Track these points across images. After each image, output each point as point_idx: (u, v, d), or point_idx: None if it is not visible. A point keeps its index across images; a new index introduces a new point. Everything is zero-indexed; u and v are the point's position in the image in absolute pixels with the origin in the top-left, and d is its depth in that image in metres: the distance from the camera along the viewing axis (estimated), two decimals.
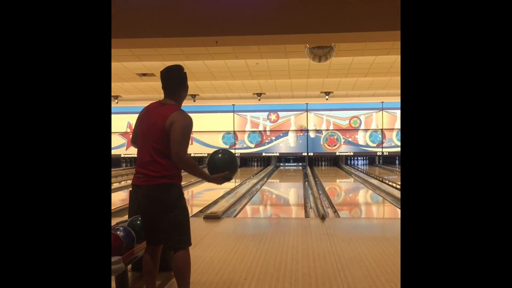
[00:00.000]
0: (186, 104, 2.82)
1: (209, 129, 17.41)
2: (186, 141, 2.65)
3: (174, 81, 2.81)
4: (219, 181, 2.78)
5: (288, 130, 17.79)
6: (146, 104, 2.99)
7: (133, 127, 2.88)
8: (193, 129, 2.76)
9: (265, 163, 18.55)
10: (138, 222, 3.27)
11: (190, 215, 2.97)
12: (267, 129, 17.84)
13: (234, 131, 17.88)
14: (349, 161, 18.64)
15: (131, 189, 3.26)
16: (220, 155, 2.86)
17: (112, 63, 10.38)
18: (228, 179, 2.79)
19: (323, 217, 5.97)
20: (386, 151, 17.42)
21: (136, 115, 2.94)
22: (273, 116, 17.79)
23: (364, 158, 18.65)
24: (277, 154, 18.04)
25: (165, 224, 2.68)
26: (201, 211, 7.01)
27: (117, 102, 15.52)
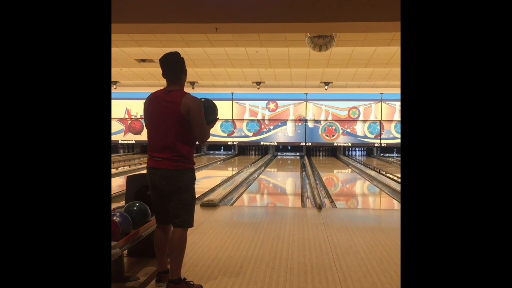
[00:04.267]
0: (185, 90, 2.87)
1: None
2: (204, 122, 2.92)
3: (175, 66, 2.94)
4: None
5: (287, 120, 17.77)
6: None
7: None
8: None
9: (263, 152, 18.55)
10: (135, 208, 3.27)
11: None
12: (266, 118, 17.81)
13: (232, 119, 17.84)
14: (347, 152, 18.65)
15: (129, 175, 3.28)
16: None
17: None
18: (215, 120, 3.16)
19: (319, 207, 5.98)
20: (384, 142, 17.43)
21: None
22: (272, 105, 17.75)
23: (362, 149, 18.66)
24: (275, 143, 18.05)
25: (176, 203, 2.86)
26: (198, 199, 7.00)
27: (115, 88, 15.44)
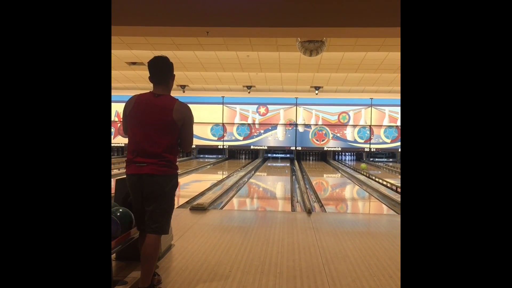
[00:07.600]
0: (175, 94, 2.85)
1: (198, 121, 17.29)
2: (193, 131, 2.94)
3: (166, 70, 2.88)
4: None
5: (277, 124, 17.80)
6: (134, 93, 2.98)
7: (121, 116, 2.93)
8: None
9: (253, 156, 18.55)
10: (118, 214, 3.22)
11: (176, 206, 3.00)
12: (256, 122, 17.84)
13: (223, 123, 17.84)
14: (336, 156, 18.73)
15: (118, 178, 3.23)
16: None
17: None
18: None
19: (309, 211, 5.99)
20: (373, 147, 17.54)
21: (124, 104, 2.92)
22: (262, 109, 17.78)
23: (352, 153, 18.74)
24: (265, 147, 18.07)
25: (156, 208, 2.79)
26: (187, 202, 6.99)
27: None
